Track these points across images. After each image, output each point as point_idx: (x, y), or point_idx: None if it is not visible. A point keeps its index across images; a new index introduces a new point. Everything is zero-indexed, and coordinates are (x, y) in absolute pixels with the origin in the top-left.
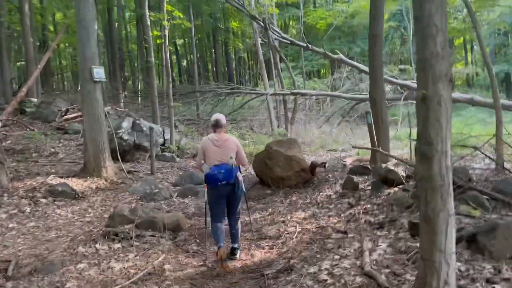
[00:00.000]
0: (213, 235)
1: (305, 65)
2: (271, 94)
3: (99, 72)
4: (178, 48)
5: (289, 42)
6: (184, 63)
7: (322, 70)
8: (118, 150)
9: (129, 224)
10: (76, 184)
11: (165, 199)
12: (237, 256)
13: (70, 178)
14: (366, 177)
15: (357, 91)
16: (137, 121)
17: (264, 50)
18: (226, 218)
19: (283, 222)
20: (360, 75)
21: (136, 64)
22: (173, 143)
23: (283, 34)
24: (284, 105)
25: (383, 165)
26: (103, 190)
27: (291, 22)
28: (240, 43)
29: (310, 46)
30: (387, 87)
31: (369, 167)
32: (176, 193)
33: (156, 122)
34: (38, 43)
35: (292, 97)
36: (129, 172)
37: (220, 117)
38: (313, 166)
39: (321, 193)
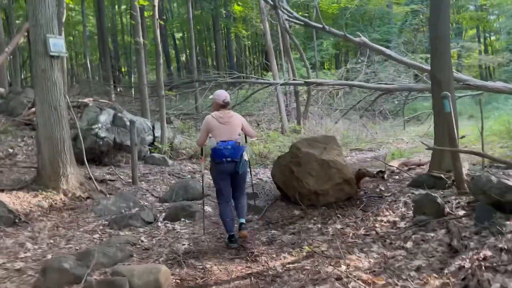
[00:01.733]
0: (223, 222)
1: (311, 57)
2: (281, 84)
3: (57, 44)
4: (177, 42)
5: (302, 23)
6: (183, 58)
7: (326, 64)
8: (95, 151)
9: (72, 286)
10: (21, 201)
11: (146, 225)
12: (246, 230)
13: (13, 192)
14: (442, 192)
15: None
16: (119, 114)
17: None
18: (232, 200)
19: (338, 279)
20: (381, 64)
21: (131, 57)
22: (164, 141)
23: (295, 14)
24: (296, 97)
25: (465, 172)
26: (59, 210)
27: (299, 12)
28: (243, 30)
29: (327, 27)
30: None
31: (443, 176)
32: (164, 214)
33: (146, 116)
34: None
35: (303, 89)
36: (102, 181)
37: (226, 95)
38: (361, 175)
39: (378, 218)
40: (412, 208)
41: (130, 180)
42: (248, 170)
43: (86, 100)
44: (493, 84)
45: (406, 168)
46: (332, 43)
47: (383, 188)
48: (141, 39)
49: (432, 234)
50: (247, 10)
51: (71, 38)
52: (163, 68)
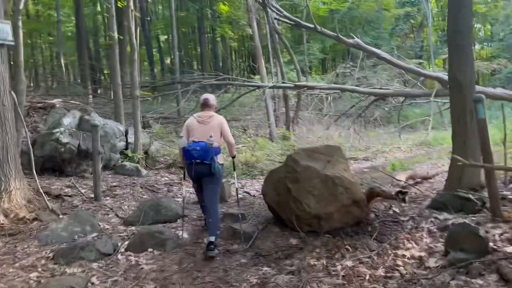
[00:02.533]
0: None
1: (300, 61)
2: (270, 87)
3: (1, 30)
4: (162, 44)
5: (293, 22)
6: (168, 61)
7: (313, 69)
8: (55, 159)
9: None
10: None
11: (102, 257)
12: (214, 252)
13: None
14: (473, 217)
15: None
16: (86, 117)
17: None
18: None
19: None
20: (371, 69)
21: None
22: (138, 148)
23: (285, 13)
24: (285, 102)
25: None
26: None
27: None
28: (229, 31)
29: (319, 27)
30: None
31: (472, 197)
32: (126, 243)
33: (120, 120)
34: None
35: (292, 93)
36: (57, 196)
37: (209, 96)
38: (373, 195)
39: (399, 252)
40: (442, 240)
41: (93, 195)
42: (220, 178)
43: (54, 101)
44: (493, 90)
45: (412, 181)
46: (320, 48)
47: (397, 210)
48: (115, 34)
49: (480, 282)
50: (233, 10)
51: (51, 38)
52: (147, 72)
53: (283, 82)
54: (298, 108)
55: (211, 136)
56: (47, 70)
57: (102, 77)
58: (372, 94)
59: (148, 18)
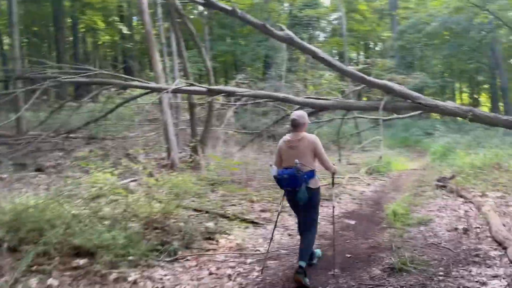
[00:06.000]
0: None
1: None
2: (173, 91)
3: None
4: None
5: (203, 1)
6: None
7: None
8: None
9: None
10: None
11: None
12: (303, 279)
13: None
14: None
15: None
16: None
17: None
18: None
19: None
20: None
21: None
22: None
23: None
24: (191, 113)
25: None
26: None
27: None
28: (100, 21)
29: (239, 11)
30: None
31: None
32: None
33: None
34: None
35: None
36: None
37: (298, 115)
38: None
39: None
40: None
41: None
42: (317, 203)
43: None
44: (444, 104)
45: None
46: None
47: None
48: None
49: None
50: None
51: None
52: None
53: (191, 85)
54: (210, 121)
55: (297, 163)
56: None
57: None
58: (308, 105)
59: None
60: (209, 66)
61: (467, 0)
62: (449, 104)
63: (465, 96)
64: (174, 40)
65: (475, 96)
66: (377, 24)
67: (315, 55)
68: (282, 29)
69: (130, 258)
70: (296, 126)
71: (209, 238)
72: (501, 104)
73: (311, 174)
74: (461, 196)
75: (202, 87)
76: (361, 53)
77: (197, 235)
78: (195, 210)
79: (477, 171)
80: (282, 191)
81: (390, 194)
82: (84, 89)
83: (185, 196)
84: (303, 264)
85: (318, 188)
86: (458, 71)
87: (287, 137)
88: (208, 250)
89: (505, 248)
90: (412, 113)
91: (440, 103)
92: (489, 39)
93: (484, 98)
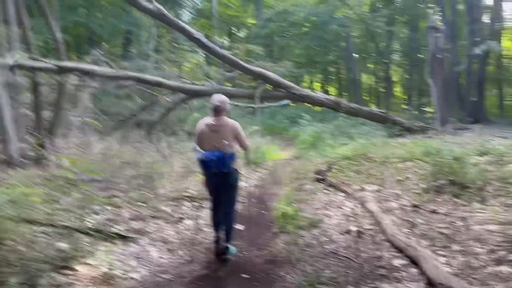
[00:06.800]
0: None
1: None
2: (11, 68)
3: None
4: None
5: None
6: None
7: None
8: None
9: None
10: None
11: None
12: (230, 256)
13: None
14: None
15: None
16: None
17: None
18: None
19: None
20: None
21: None
22: None
23: None
24: (35, 95)
25: None
26: None
27: None
28: None
29: None
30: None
31: None
32: None
33: None
34: None
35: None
36: None
37: (220, 100)
38: None
39: None
40: None
41: None
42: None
43: None
44: (315, 94)
45: None
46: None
47: None
48: None
49: None
50: None
51: None
52: None
53: (35, 59)
54: (60, 107)
55: (225, 144)
56: None
57: None
58: (182, 90)
59: None
60: (59, 38)
61: None
62: (319, 95)
63: (316, 86)
64: (11, 2)
65: (326, 87)
66: (244, 10)
67: (190, 36)
68: (151, 1)
69: None
70: (219, 112)
71: (64, 267)
72: (345, 93)
73: (234, 156)
74: (341, 191)
75: (51, 64)
76: (225, 38)
77: (45, 263)
78: (42, 224)
79: (350, 163)
80: (202, 176)
81: (271, 189)
82: None
83: (27, 204)
84: (228, 244)
85: (237, 169)
86: (315, 62)
87: (209, 120)
88: (61, 287)
89: (415, 263)
90: (284, 102)
91: (311, 93)
92: (345, 32)
93: (332, 89)
